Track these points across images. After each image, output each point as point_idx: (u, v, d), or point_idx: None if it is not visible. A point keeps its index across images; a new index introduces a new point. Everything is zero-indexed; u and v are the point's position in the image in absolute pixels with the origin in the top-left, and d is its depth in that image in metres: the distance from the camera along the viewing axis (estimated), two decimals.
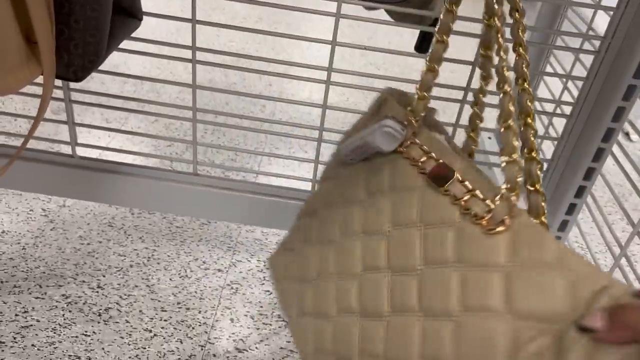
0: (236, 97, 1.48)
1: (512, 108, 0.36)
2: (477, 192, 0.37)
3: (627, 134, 1.63)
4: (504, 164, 0.35)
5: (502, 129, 0.36)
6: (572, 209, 0.74)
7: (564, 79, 0.93)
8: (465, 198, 0.37)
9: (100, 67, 0.76)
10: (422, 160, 0.40)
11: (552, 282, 0.31)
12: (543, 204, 0.38)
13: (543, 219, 0.38)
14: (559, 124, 0.85)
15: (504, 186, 0.35)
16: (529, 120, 0.39)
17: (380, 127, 0.41)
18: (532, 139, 0.39)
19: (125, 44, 0.73)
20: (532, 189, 0.38)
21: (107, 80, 1.44)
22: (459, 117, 0.71)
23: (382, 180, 0.43)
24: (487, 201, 0.36)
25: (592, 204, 0.77)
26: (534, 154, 0.38)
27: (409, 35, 2.06)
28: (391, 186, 0.42)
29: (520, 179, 0.35)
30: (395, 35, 2.04)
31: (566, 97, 1.17)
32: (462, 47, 1.73)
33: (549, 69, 1.03)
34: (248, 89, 1.53)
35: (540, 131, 0.98)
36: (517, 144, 0.36)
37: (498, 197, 0.35)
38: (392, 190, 0.41)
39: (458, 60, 0.68)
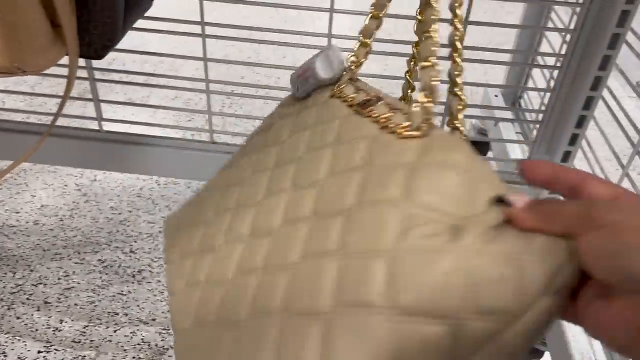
0: (251, 71, 1.53)
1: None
2: (401, 107, 0.36)
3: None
4: (420, 69, 0.34)
5: (423, 39, 0.35)
6: (567, 157, 0.78)
7: (564, 33, 0.96)
8: (388, 115, 0.36)
9: (122, 47, 0.82)
10: (352, 95, 0.40)
11: (450, 179, 0.30)
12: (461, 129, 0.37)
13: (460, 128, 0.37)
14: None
15: (421, 93, 0.34)
16: (456, 57, 0.38)
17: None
18: (458, 78, 0.38)
19: (139, 23, 0.79)
20: (452, 125, 0.38)
21: (128, 62, 1.51)
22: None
23: (309, 117, 0.41)
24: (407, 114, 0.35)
25: (589, 153, 0.81)
26: (457, 90, 0.38)
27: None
28: (316, 121, 0.40)
29: (435, 83, 0.33)
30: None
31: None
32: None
33: (550, 25, 1.06)
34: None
35: (543, 84, 1.01)
36: (436, 49, 0.34)
37: (415, 104, 0.34)
38: (315, 125, 0.40)
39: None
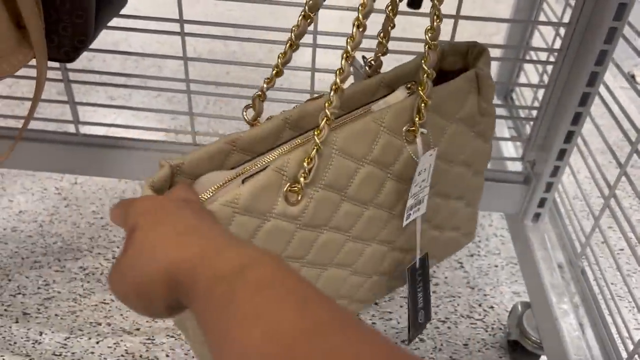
0: (237, 66, 1.49)
1: None
2: None
3: (632, 77, 1.61)
4: None
5: None
6: (562, 154, 0.75)
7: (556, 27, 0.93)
8: None
9: (99, 46, 0.78)
10: None
11: None
12: None
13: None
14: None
15: None
16: None
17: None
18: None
19: (117, 21, 0.75)
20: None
21: (108, 59, 1.46)
22: None
23: None
24: None
25: (585, 151, 0.78)
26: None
27: None
28: None
29: None
30: None
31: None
32: None
33: (542, 18, 1.03)
34: (248, 58, 1.54)
35: (535, 78, 0.98)
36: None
37: None
38: None
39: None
